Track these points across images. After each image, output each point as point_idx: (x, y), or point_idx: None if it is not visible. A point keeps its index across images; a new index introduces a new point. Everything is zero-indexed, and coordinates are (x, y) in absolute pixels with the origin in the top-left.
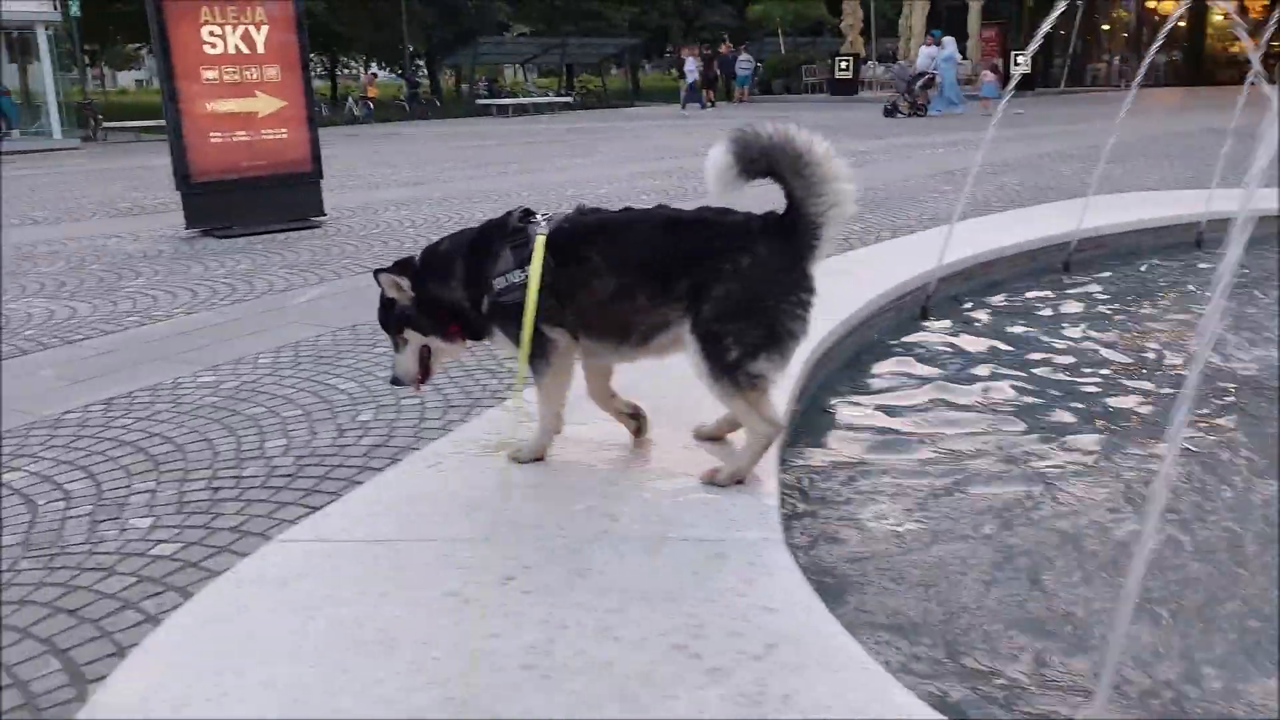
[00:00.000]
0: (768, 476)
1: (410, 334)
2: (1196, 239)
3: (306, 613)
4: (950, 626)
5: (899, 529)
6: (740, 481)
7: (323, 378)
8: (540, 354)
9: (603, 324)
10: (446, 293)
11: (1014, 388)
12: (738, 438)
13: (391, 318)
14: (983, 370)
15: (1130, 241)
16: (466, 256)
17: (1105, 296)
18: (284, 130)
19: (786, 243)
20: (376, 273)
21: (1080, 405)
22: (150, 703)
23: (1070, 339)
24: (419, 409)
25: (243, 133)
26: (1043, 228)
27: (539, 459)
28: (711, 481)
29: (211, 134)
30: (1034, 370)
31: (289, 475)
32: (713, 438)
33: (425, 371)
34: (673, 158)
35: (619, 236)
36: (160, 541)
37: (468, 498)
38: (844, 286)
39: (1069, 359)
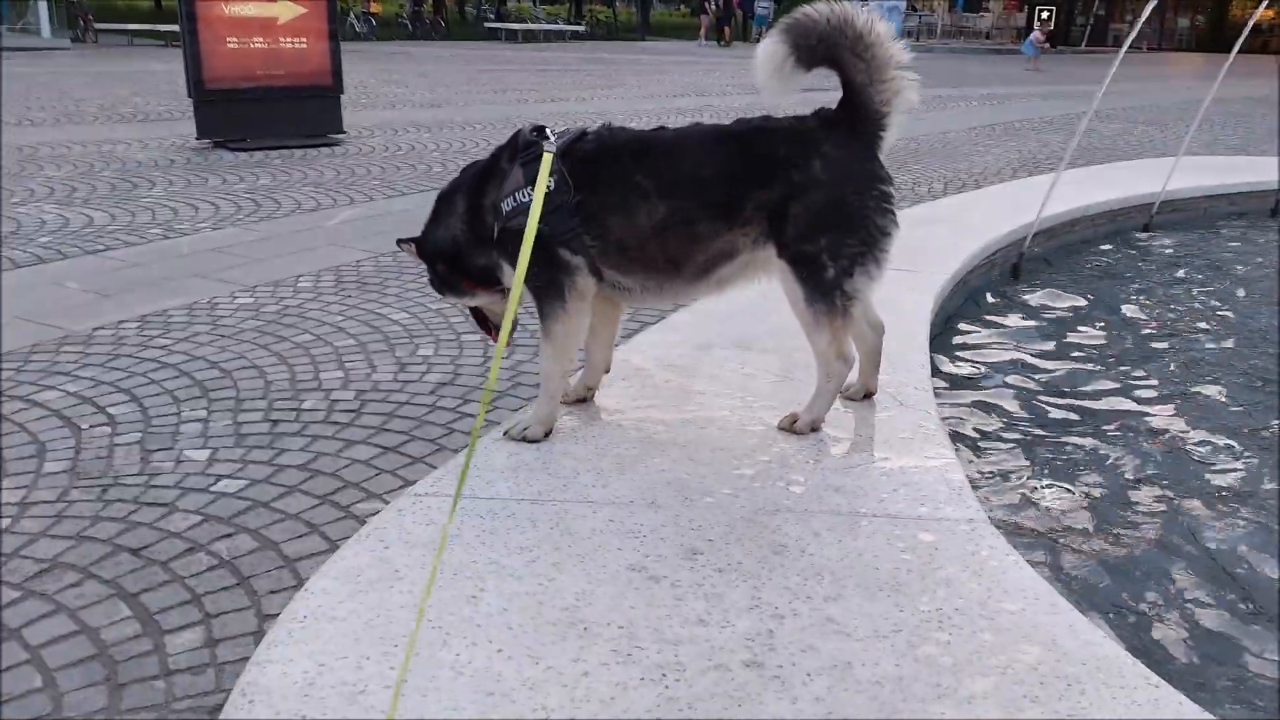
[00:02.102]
0: (943, 445)
1: (452, 298)
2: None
3: (474, 584)
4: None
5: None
6: (817, 429)
7: (371, 306)
8: (555, 291)
9: (650, 257)
10: (452, 238)
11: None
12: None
13: (437, 285)
14: (1092, 327)
15: (1206, 206)
16: (473, 186)
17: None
18: (303, 40)
19: (853, 136)
20: (399, 242)
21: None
22: (318, 688)
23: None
24: (483, 346)
25: (260, 39)
26: (1124, 188)
27: (547, 433)
28: (791, 429)
29: (228, 39)
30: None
31: (352, 411)
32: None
33: (489, 329)
34: (698, 95)
35: (668, 155)
36: (222, 477)
37: (616, 454)
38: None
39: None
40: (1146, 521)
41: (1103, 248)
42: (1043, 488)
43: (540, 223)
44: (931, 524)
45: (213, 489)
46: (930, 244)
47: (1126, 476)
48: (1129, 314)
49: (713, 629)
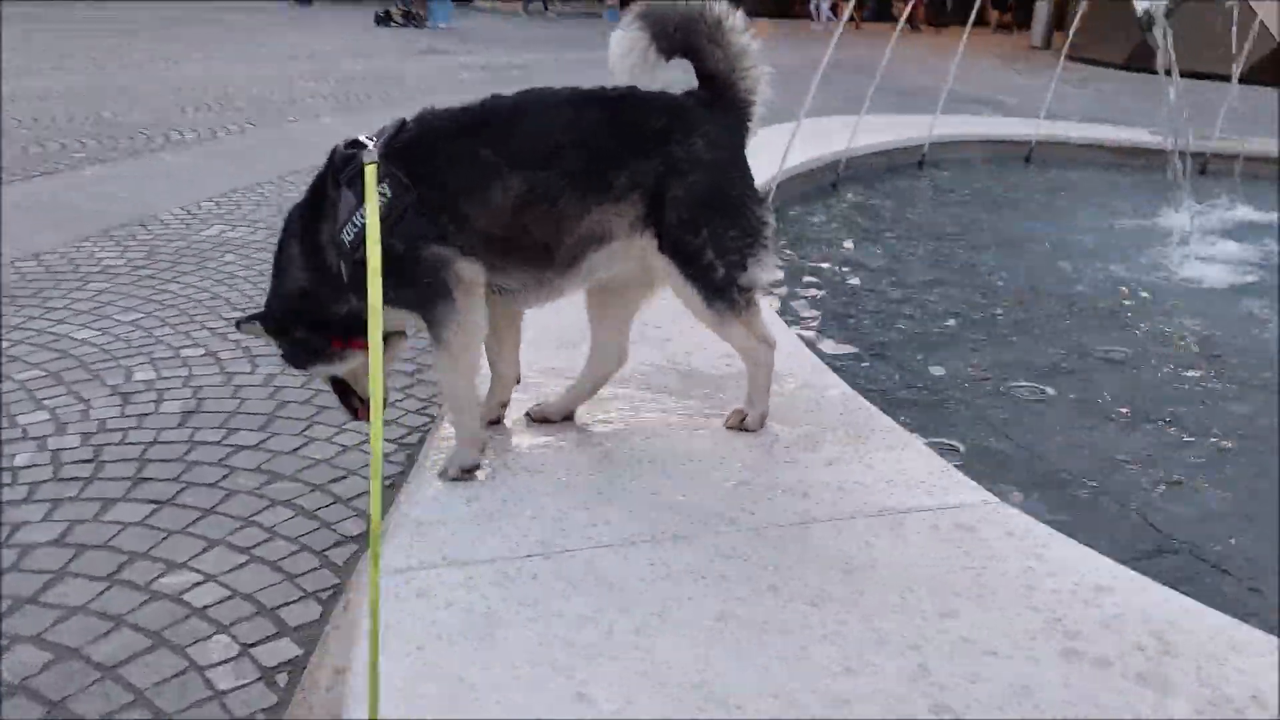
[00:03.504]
0: (885, 421)
1: (321, 367)
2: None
3: (565, 677)
4: None
5: None
6: (764, 423)
7: (38, 325)
8: (436, 290)
9: (519, 244)
10: (301, 291)
11: None
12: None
13: (298, 359)
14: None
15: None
16: (305, 225)
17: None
18: None
19: (728, 121)
20: (239, 324)
21: None
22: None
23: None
24: (263, 376)
25: None
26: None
27: (476, 469)
28: (741, 426)
29: None
30: None
31: (88, 461)
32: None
33: (354, 405)
34: (310, 59)
35: (512, 122)
36: None
37: (586, 483)
38: None
39: None
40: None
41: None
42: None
43: (391, 237)
44: (952, 514)
45: None
46: None
47: None
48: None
49: (866, 678)
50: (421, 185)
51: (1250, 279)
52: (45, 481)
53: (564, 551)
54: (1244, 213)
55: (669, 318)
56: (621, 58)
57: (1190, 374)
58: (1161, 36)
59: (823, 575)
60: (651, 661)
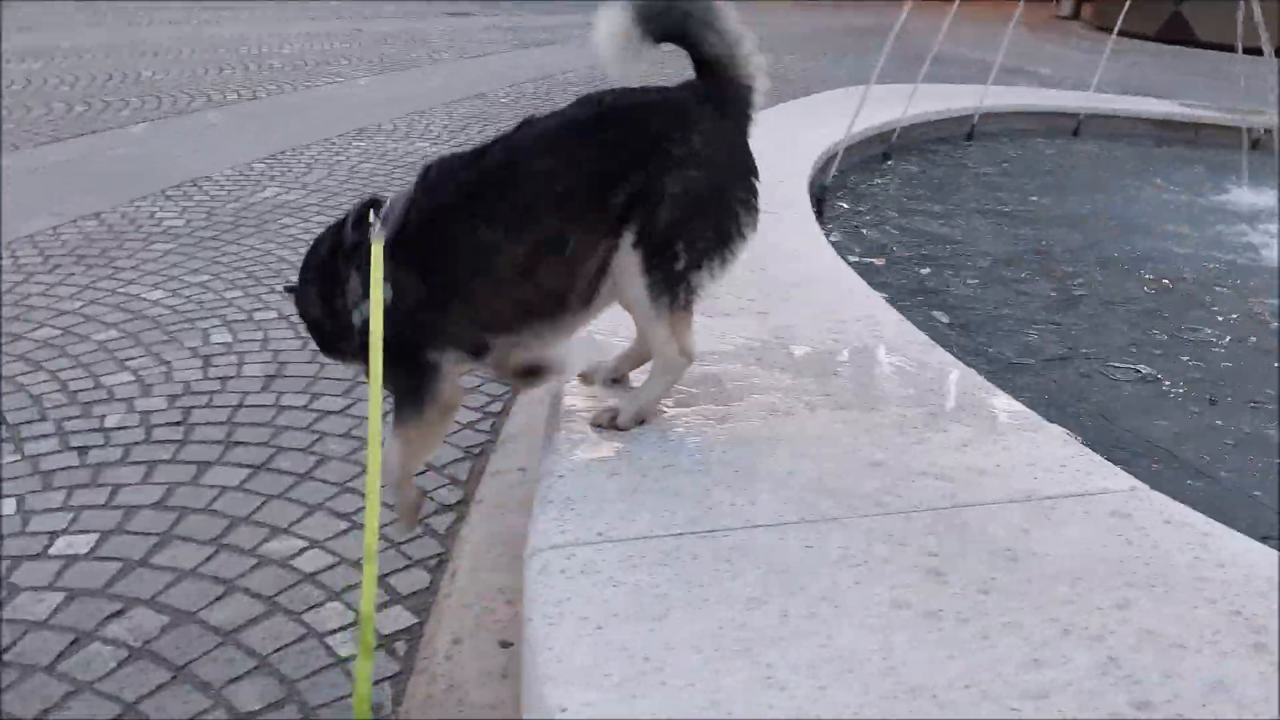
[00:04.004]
0: (998, 397)
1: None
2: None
3: (748, 661)
4: None
5: None
6: (644, 422)
7: (108, 284)
8: (413, 397)
9: (522, 308)
10: (319, 321)
11: None
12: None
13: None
14: None
15: (924, 133)
16: (321, 284)
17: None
18: None
19: (726, 114)
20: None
21: None
22: None
23: None
24: (302, 336)
25: None
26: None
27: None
28: (612, 425)
29: None
30: None
31: (178, 424)
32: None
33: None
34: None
35: (511, 178)
36: (57, 534)
37: (719, 459)
38: None
39: None
40: None
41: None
42: None
43: (396, 329)
44: (1103, 499)
45: (54, 553)
46: None
47: None
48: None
49: (1055, 670)
50: (426, 282)
51: None
52: (139, 443)
53: (716, 531)
54: None
55: (761, 290)
56: (606, 40)
57: None
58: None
59: (987, 563)
60: (834, 647)
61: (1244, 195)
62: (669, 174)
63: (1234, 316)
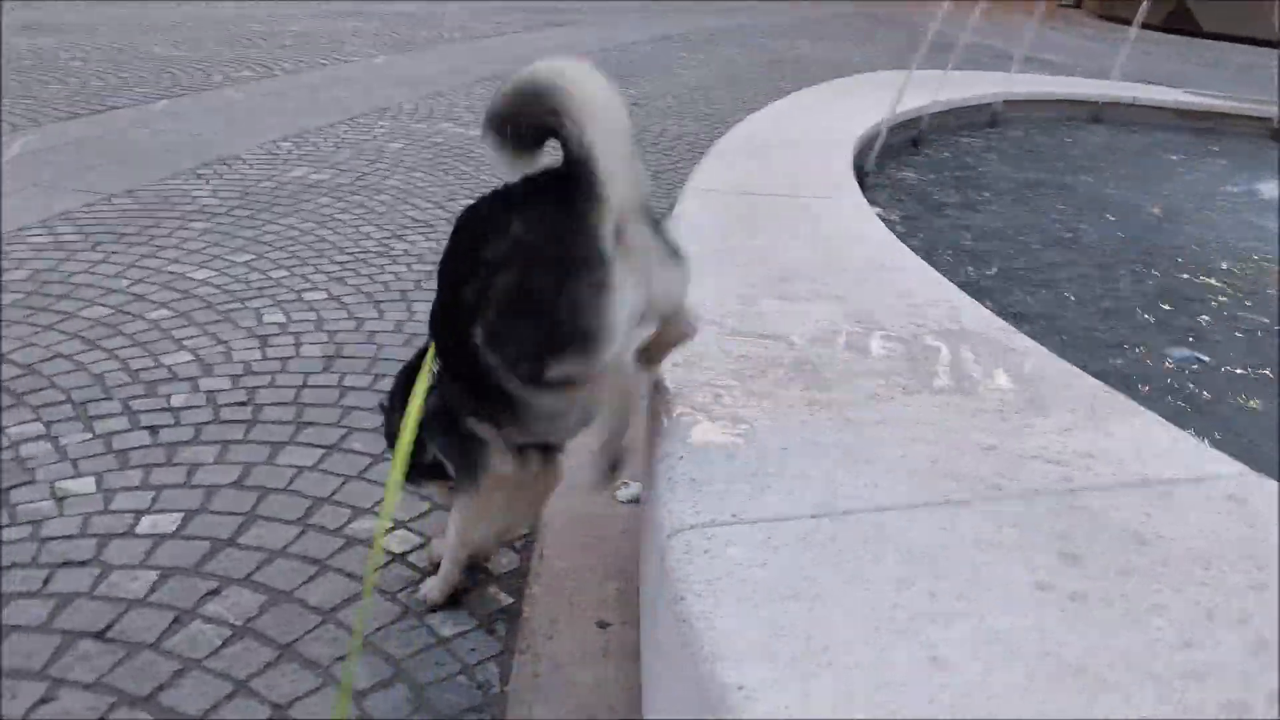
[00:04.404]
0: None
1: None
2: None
3: (909, 639)
4: None
5: None
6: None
7: (153, 263)
8: (469, 466)
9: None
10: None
11: None
12: None
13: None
14: None
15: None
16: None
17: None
18: None
19: (561, 201)
20: None
21: None
22: None
23: None
24: (345, 308)
25: None
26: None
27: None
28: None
29: None
30: None
31: (244, 404)
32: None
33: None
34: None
35: (459, 267)
36: (141, 514)
37: (835, 443)
38: None
39: None
40: None
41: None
42: None
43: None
44: (1216, 483)
45: (140, 531)
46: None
47: None
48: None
49: (1208, 651)
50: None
51: None
52: (209, 423)
53: (847, 513)
54: None
55: (833, 274)
56: (497, 163)
57: None
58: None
59: (1119, 546)
60: (989, 629)
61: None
62: (483, 281)
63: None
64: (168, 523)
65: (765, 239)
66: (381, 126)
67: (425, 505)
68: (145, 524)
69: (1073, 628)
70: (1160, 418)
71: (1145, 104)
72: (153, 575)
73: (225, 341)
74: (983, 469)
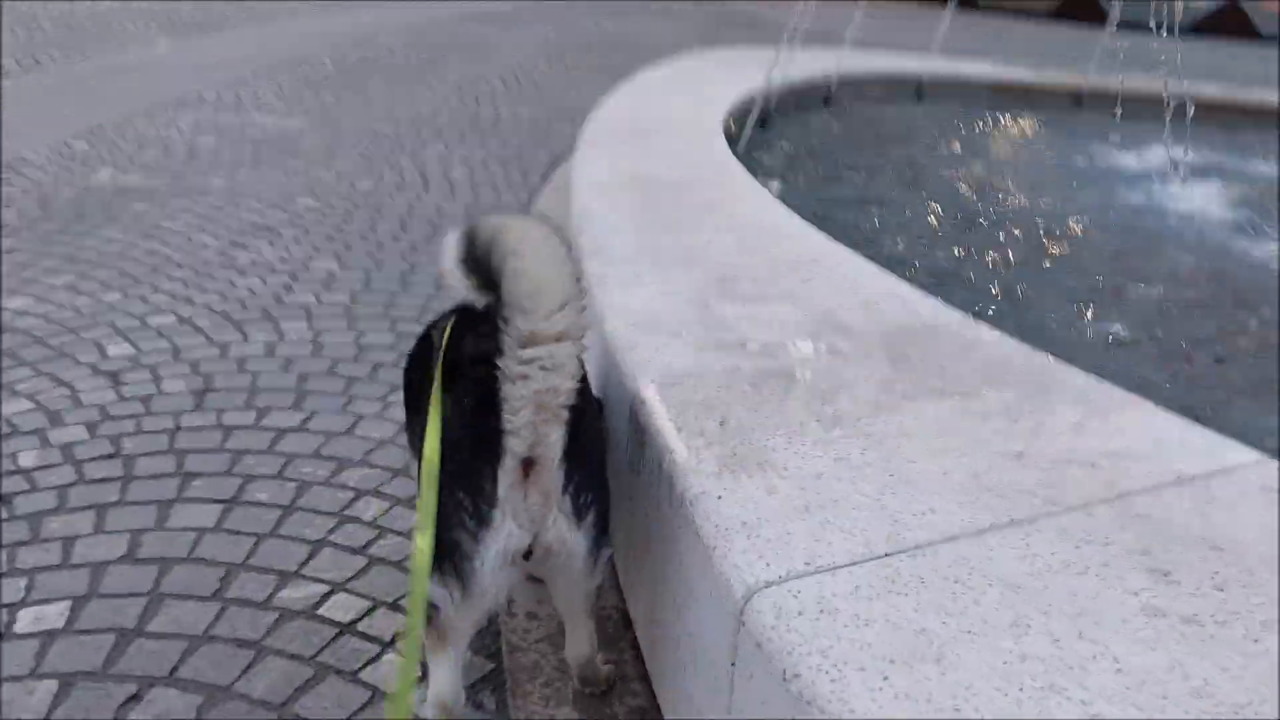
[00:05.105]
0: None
1: None
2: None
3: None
4: None
5: None
6: None
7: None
8: None
9: None
10: None
11: None
12: None
13: None
14: None
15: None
16: None
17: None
18: None
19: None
20: None
21: None
22: None
23: None
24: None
25: None
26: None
27: None
28: None
29: None
30: None
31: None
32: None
33: None
34: None
35: None
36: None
37: (862, 461)
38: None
39: None
40: None
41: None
42: None
43: None
44: (1245, 474)
45: (21, 630)
46: None
47: None
48: None
49: None
50: None
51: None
52: (73, 485)
53: (919, 549)
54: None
55: (771, 272)
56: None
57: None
58: None
59: (1198, 557)
60: (1129, 670)
61: (1119, 156)
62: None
63: (1165, 270)
64: (54, 615)
65: (686, 235)
66: (185, 119)
67: (363, 561)
68: (25, 619)
69: (1205, 656)
70: (1154, 406)
71: (964, 79)
72: (52, 685)
73: (67, 383)
74: (1025, 480)
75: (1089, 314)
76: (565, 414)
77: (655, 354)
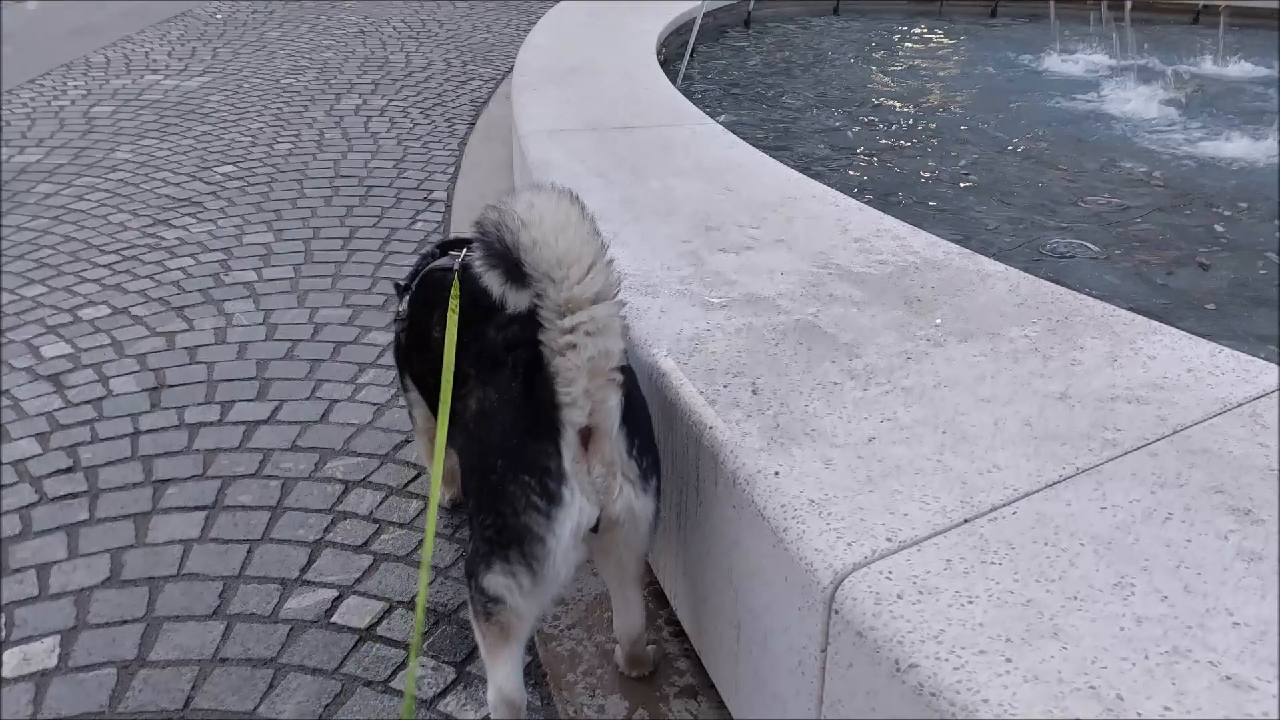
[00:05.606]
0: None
1: None
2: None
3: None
4: None
5: None
6: None
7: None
8: None
9: None
10: None
11: None
12: None
13: None
14: None
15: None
16: None
17: None
18: None
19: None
20: None
21: None
22: None
23: None
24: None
25: None
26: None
27: None
28: None
29: None
30: None
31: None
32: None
33: None
34: None
35: None
36: None
37: (912, 420)
38: None
39: None
40: None
41: None
42: None
43: None
44: None
45: (10, 673)
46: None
47: None
48: None
49: None
50: None
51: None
52: (35, 505)
53: (996, 509)
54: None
55: (753, 216)
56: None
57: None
58: None
59: (1269, 488)
60: (1250, 624)
61: (1054, 63)
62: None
63: (1111, 173)
64: (43, 653)
65: (655, 181)
66: (75, 87)
67: (367, 560)
68: (12, 662)
69: None
70: (1175, 329)
71: None
72: None
73: (4, 391)
74: (1079, 423)
75: (1047, 229)
76: (619, 376)
77: (662, 318)
